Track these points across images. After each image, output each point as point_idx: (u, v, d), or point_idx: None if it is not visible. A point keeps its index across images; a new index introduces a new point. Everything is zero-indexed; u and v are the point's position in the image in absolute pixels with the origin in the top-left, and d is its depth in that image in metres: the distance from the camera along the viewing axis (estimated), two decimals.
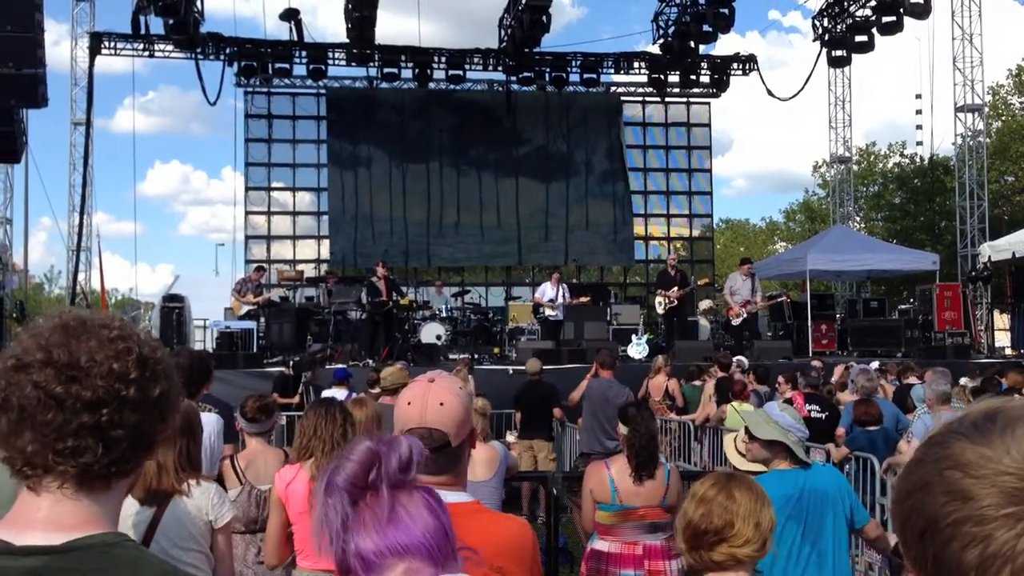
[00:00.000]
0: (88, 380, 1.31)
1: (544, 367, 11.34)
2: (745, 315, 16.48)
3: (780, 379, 10.37)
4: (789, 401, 8.61)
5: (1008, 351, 20.45)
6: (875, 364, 12.17)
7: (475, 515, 2.26)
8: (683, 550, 2.67)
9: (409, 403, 2.26)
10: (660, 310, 17.17)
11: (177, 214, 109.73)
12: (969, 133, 22.95)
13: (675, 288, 16.72)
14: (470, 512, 2.25)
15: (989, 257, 20.47)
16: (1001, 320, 25.25)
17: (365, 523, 1.25)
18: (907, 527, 0.85)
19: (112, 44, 22.14)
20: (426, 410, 2.23)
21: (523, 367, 13.38)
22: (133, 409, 1.35)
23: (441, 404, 2.23)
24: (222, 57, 22.78)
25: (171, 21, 19.27)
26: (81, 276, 22.26)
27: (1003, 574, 0.76)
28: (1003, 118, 34.60)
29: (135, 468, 1.41)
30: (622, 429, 5.05)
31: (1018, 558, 0.75)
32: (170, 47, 22.17)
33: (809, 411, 8.47)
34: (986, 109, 24.68)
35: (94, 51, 21.59)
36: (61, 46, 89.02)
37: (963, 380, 10.34)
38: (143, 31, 20.94)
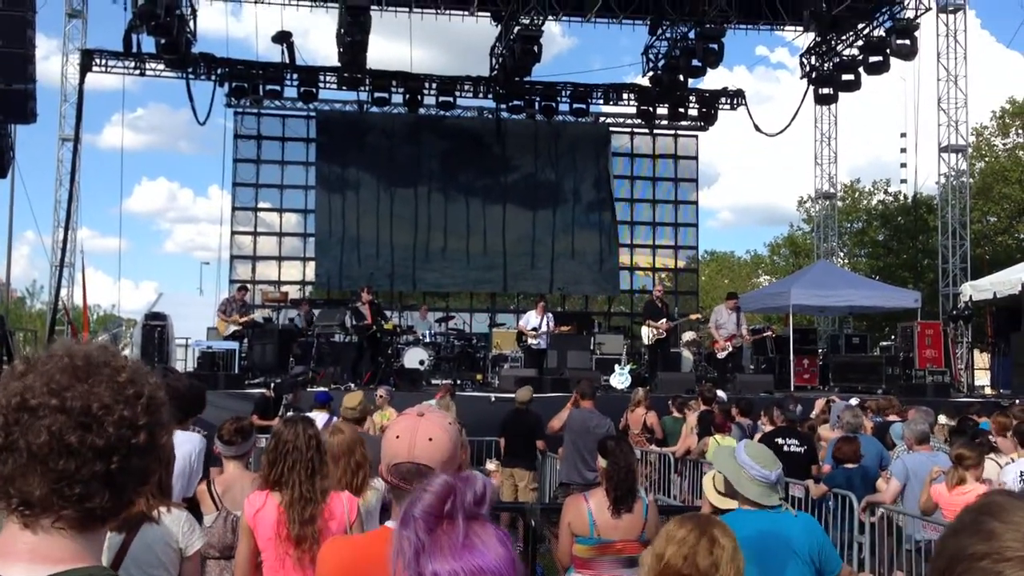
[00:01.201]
0: (101, 428, 1.30)
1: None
2: (731, 349, 16.55)
3: (762, 414, 10.39)
4: (770, 436, 8.64)
5: (988, 390, 20.59)
6: (854, 400, 12.20)
7: None
8: None
9: (398, 437, 2.28)
10: (647, 341, 17.19)
11: (163, 231, 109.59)
12: (952, 173, 23.19)
13: (664, 320, 16.78)
14: None
15: (970, 296, 20.63)
16: (981, 359, 25.41)
17: (442, 548, 1.33)
18: (933, 569, 0.89)
19: (103, 62, 22.18)
20: (414, 445, 2.24)
21: (505, 395, 13.36)
22: (141, 455, 1.34)
23: (430, 439, 2.24)
24: (213, 77, 22.84)
25: (163, 41, 19.31)
26: (64, 291, 22.16)
27: None
28: (986, 159, 35.00)
29: (130, 507, 1.42)
30: (601, 462, 5.06)
31: None
32: (161, 66, 22.22)
33: (787, 445, 8.48)
34: (970, 150, 24.97)
35: (85, 68, 21.63)
36: (51, 61, 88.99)
37: (941, 419, 10.39)
38: (135, 49, 20.99)
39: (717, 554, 2.57)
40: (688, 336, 19.89)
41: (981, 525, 0.84)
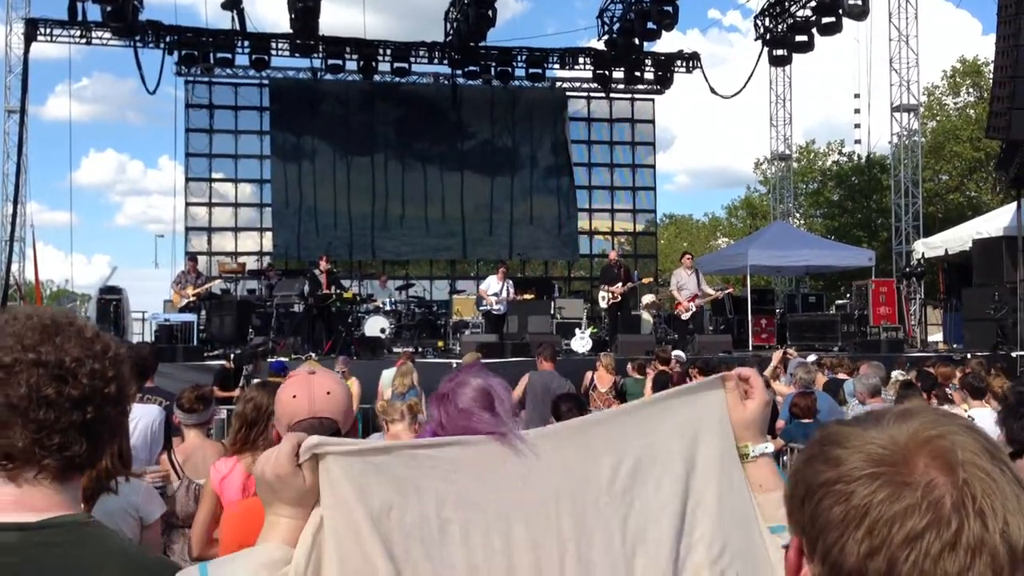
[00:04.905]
0: (75, 380, 1.38)
1: (487, 360, 11.33)
2: (694, 309, 16.63)
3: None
4: None
5: (940, 345, 21.00)
6: (812, 357, 12.40)
7: None
8: None
9: (294, 396, 2.27)
10: (603, 305, 17.30)
11: (113, 204, 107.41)
12: (905, 132, 23.48)
13: (618, 284, 16.86)
14: None
15: (923, 254, 20.98)
16: (934, 315, 25.89)
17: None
18: (792, 497, 0.99)
19: (48, 31, 21.63)
20: (314, 400, 2.25)
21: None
22: (112, 405, 1.44)
23: (328, 393, 2.27)
24: (162, 45, 22.33)
25: (109, 8, 18.87)
26: (15, 267, 21.71)
27: (862, 525, 0.89)
28: (938, 118, 35.48)
29: (103, 458, 1.49)
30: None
31: (874, 510, 0.88)
32: (107, 34, 21.72)
33: None
34: (921, 109, 25.26)
35: (29, 38, 21.09)
36: None
37: (895, 373, 10.59)
38: (80, 18, 20.49)
39: None
40: (648, 299, 20.02)
41: (827, 453, 0.95)
